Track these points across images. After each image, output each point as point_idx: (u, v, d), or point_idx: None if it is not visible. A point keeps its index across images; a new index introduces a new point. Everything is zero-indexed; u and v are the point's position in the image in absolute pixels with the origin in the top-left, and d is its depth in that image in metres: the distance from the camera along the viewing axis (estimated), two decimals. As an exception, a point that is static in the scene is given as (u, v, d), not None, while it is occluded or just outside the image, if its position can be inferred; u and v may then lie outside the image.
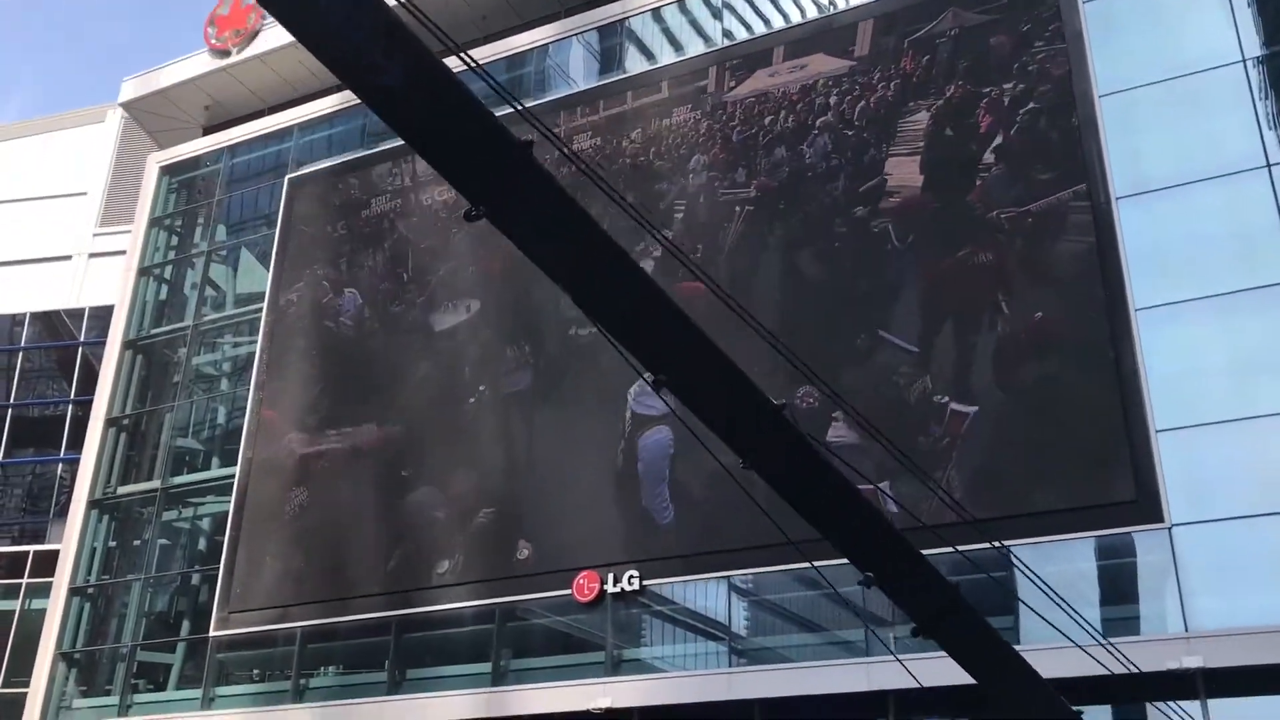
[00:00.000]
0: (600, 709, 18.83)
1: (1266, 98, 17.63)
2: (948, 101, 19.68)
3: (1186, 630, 15.29)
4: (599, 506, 20.52)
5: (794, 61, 21.72)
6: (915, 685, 16.67)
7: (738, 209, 21.07)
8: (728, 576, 19.15)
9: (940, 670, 16.86)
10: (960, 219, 18.90)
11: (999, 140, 18.94)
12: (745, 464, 6.12)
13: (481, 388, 22.81)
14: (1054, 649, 14.52)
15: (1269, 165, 17.09)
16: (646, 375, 6.16)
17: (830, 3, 22.54)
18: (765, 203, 20.99)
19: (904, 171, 19.60)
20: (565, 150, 5.76)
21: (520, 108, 5.79)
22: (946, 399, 17.86)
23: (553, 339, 22.42)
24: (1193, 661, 14.75)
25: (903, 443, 8.72)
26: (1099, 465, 16.58)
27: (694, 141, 22.05)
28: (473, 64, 5.40)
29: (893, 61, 20.57)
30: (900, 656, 17.31)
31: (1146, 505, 16.04)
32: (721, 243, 21.15)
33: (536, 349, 22.57)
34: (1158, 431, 16.39)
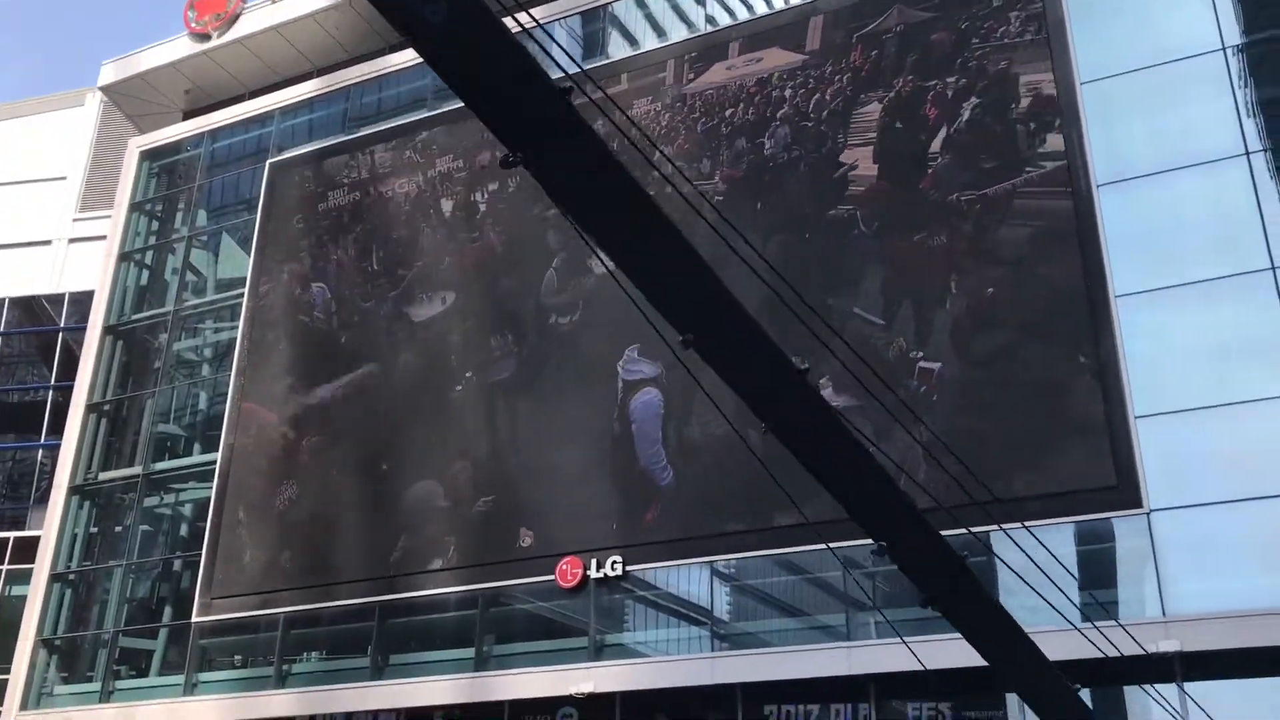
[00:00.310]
0: (582, 694, 18.91)
1: (1245, 86, 17.73)
2: (897, 95, 20.25)
3: (1164, 614, 15.43)
4: (594, 489, 20.56)
5: (750, 55, 22.16)
6: (895, 670, 16.82)
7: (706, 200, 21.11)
8: (711, 561, 19.23)
9: (924, 654, 16.99)
10: (916, 205, 19.37)
11: (944, 132, 19.51)
12: (766, 429, 6.09)
13: (469, 374, 22.81)
14: (1032, 633, 14.67)
15: (1248, 153, 17.19)
16: (660, 340, 6.11)
17: (748, 8, 23.07)
18: (732, 193, 21.18)
19: (861, 161, 20.22)
20: (617, 116, 5.76)
21: (565, 72, 5.71)
22: (919, 354, 18.25)
23: (534, 328, 22.45)
24: (1170, 645, 14.90)
25: (888, 402, 8.76)
26: (1079, 451, 16.69)
27: (656, 134, 22.20)
28: (528, 24, 5.37)
29: (843, 56, 21.11)
30: (889, 640, 17.46)
31: (1126, 491, 16.17)
32: (693, 232, 21.15)
33: (519, 338, 22.58)
34: (1137, 417, 16.50)
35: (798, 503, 8.34)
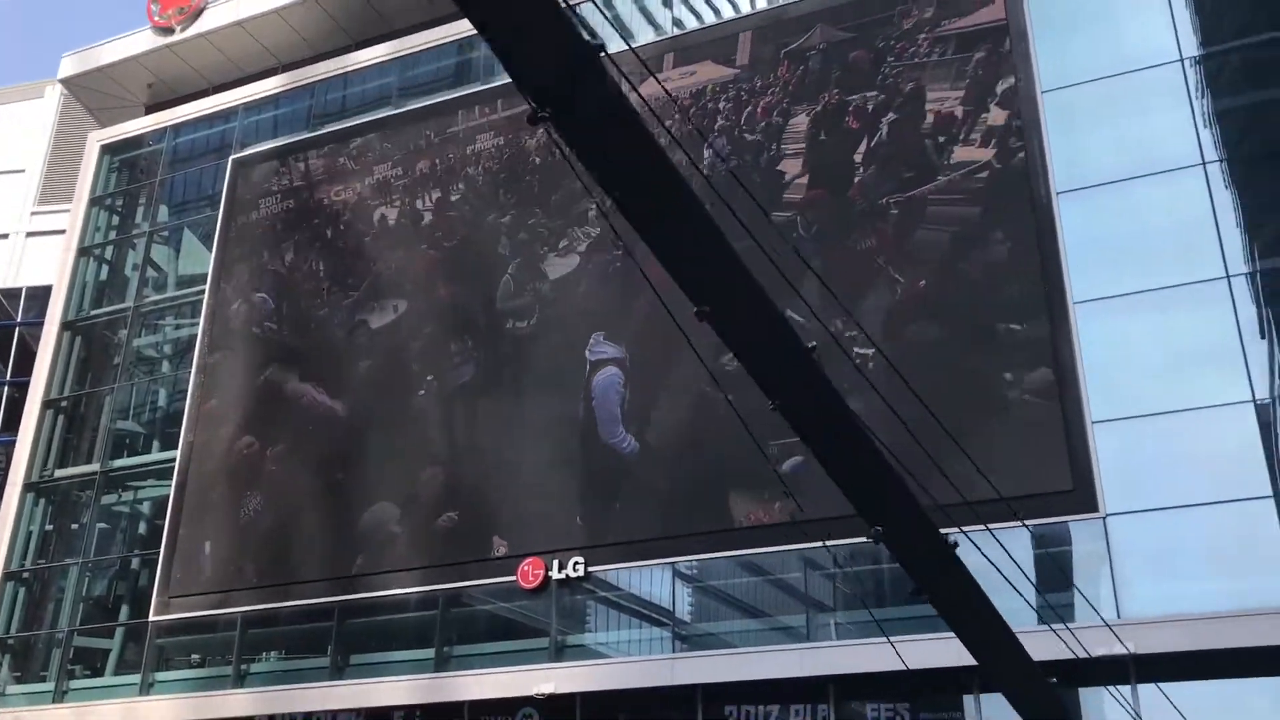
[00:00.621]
0: (543, 694, 18.90)
1: (1203, 96, 18.00)
2: (824, 108, 20.88)
3: (1119, 617, 15.63)
4: (560, 485, 20.57)
5: (684, 68, 22.69)
6: (854, 671, 16.93)
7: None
8: (672, 563, 19.28)
9: (884, 655, 17.14)
10: (846, 211, 20.00)
11: (865, 144, 20.21)
12: (773, 405, 6.09)
13: (430, 379, 22.75)
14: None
15: (1204, 163, 17.46)
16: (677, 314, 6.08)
17: (715, 12, 23.49)
18: None
19: (795, 170, 20.86)
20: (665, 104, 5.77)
21: (609, 52, 5.67)
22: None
23: (491, 332, 22.53)
24: (1124, 648, 15.08)
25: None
26: (1036, 454, 16.87)
27: None
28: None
29: (771, 70, 21.72)
30: (849, 641, 17.59)
31: (1082, 495, 16.37)
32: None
33: (479, 343, 22.63)
34: (1094, 422, 16.71)
35: (790, 491, 8.35)
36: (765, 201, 20.59)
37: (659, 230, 5.94)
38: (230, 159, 27.81)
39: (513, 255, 22.78)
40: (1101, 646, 14.90)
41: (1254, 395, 16.22)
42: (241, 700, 21.87)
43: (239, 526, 23.46)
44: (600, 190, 5.89)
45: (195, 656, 23.60)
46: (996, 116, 19.22)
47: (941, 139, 19.56)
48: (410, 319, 23.66)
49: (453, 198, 24.24)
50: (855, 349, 18.31)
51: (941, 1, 20.30)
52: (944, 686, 16.74)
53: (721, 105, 21.91)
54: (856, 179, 20.08)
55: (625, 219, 5.98)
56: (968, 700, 16.76)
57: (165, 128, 29.87)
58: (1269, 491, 15.73)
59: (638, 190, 5.86)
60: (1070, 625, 13.85)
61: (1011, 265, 18.29)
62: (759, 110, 21.50)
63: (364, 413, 23.28)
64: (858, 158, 20.19)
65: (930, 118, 19.75)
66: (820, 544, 18.11)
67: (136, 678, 23.36)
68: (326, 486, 22.88)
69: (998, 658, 8.40)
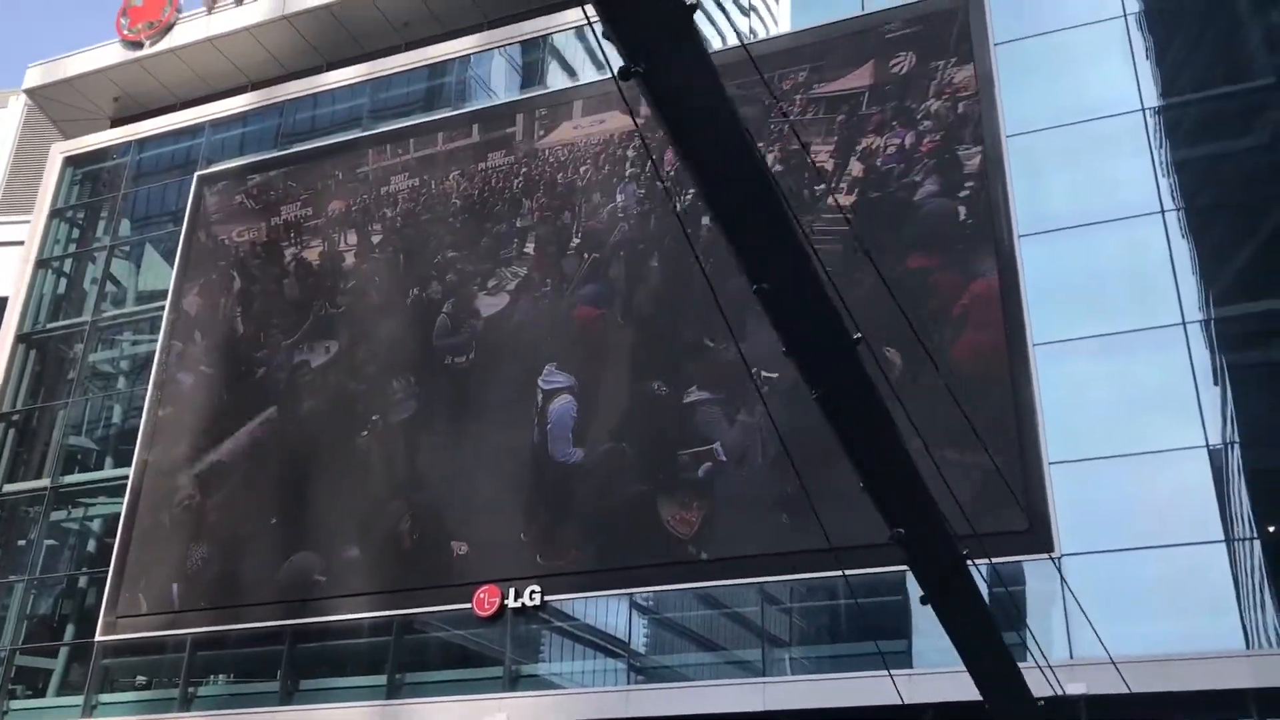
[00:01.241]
0: (496, 724, 18.74)
1: (1162, 146, 18.38)
2: None
3: (1072, 657, 15.75)
4: (515, 513, 20.59)
5: (594, 116, 23.31)
6: (809, 706, 16.92)
7: (575, 251, 22.45)
8: (629, 594, 19.24)
9: (835, 690, 17.16)
10: None
11: None
12: (815, 395, 6.06)
13: (375, 418, 22.74)
14: (946, 672, 14.93)
15: (1163, 211, 17.80)
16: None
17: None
18: (596, 244, 22.27)
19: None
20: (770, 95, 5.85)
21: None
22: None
23: (429, 369, 22.69)
24: (1077, 688, 15.19)
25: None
26: (992, 495, 17.00)
27: (516, 189, 23.39)
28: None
29: None
30: (805, 676, 17.60)
31: (1038, 534, 16.52)
32: (571, 276, 22.26)
33: (420, 379, 22.73)
34: (1050, 464, 16.89)
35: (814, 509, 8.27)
36: (682, 243, 21.13)
37: (725, 196, 6.00)
38: (195, 175, 27.62)
39: (445, 295, 23.19)
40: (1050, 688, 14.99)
41: (1207, 440, 16.49)
42: (187, 724, 21.50)
43: (188, 545, 23.12)
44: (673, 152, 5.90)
45: (141, 678, 23.18)
46: (855, 169, 20.32)
47: (819, 189, 20.40)
48: (349, 359, 23.67)
49: (374, 239, 24.59)
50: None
51: (813, 68, 21.34)
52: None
53: (629, 153, 22.56)
54: None
55: (696, 183, 6.04)
56: (921, 737, 16.80)
57: (130, 141, 29.64)
58: (1220, 535, 15.98)
59: (713, 153, 5.96)
60: (1022, 664, 13.95)
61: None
62: (667, 157, 21.72)
63: (309, 451, 23.14)
64: None
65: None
66: (780, 578, 18.21)
67: (80, 699, 22.90)
68: (267, 527, 22.66)
69: (995, 676, 8.41)
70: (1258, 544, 15.99)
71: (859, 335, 6.14)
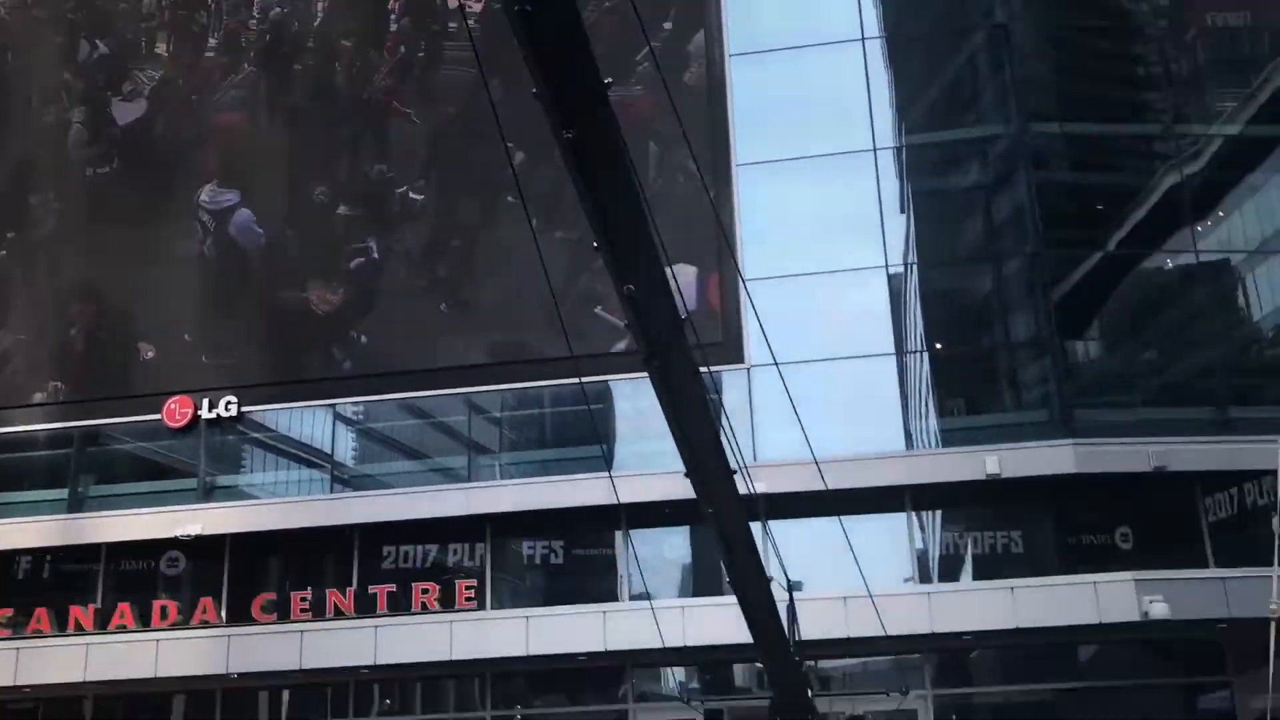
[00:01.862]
0: (189, 536, 18.19)
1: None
2: None
3: (755, 460, 16.88)
4: (201, 324, 19.73)
5: None
6: (508, 510, 17.44)
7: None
8: (332, 404, 18.94)
9: (543, 494, 17.72)
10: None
11: None
12: (568, 135, 5.82)
13: (10, 235, 21.08)
14: (646, 474, 15.75)
15: (864, 39, 18.48)
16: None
17: None
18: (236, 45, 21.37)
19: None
20: None
21: None
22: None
23: (71, 181, 21.25)
24: (759, 488, 16.34)
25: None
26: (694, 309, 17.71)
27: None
28: None
29: None
30: (509, 481, 18.06)
31: (730, 347, 17.40)
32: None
33: (59, 194, 21.23)
34: (746, 280, 17.65)
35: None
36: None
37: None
38: None
39: (79, 102, 21.61)
40: (741, 487, 16.06)
41: (887, 263, 17.71)
42: None
43: None
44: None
45: None
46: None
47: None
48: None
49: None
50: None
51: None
52: (597, 525, 17.61)
53: None
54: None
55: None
56: (617, 536, 17.72)
57: None
58: (891, 350, 17.41)
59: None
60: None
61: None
62: None
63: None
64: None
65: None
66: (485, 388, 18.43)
67: None
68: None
69: (701, 447, 8.72)
70: (926, 358, 17.55)
71: (610, 79, 6.03)
